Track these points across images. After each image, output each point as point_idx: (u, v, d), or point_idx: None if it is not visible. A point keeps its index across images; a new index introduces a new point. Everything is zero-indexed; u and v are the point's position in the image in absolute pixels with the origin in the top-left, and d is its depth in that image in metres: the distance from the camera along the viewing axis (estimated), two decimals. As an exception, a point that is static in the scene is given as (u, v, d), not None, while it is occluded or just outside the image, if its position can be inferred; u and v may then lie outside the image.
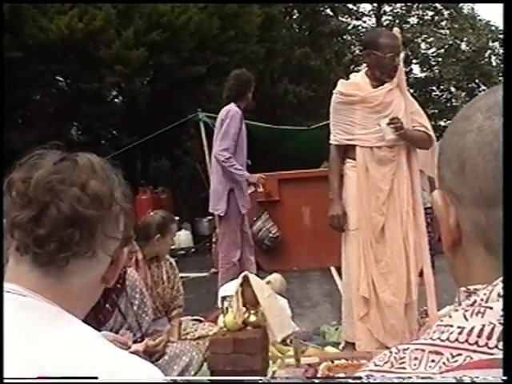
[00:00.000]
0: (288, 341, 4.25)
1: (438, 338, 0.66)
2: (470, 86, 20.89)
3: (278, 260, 8.32)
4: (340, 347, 4.26)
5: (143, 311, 3.84)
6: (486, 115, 0.71)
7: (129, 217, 1.12)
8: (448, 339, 0.65)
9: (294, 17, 18.15)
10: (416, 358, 0.67)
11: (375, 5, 20.97)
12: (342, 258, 4.21)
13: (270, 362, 3.74)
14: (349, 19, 21.10)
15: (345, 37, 19.87)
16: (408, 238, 3.98)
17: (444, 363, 0.64)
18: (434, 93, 21.48)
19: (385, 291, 3.96)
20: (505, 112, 0.69)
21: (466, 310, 0.67)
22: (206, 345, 3.96)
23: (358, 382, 0.69)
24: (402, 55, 4.20)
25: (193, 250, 10.92)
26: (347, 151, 4.11)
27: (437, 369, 0.64)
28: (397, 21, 20.33)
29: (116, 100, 13.28)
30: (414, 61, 21.23)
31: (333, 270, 8.07)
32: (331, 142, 4.18)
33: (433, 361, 0.66)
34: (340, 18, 20.12)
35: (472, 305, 0.68)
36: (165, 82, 11.60)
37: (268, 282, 5.14)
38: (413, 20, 21.48)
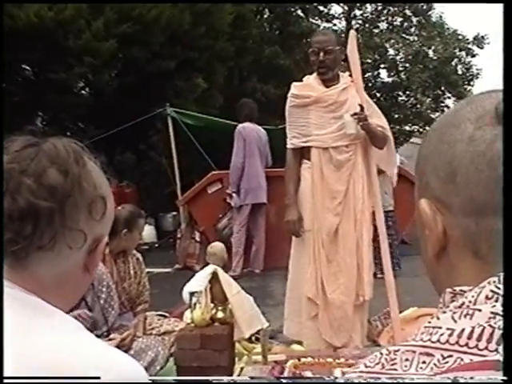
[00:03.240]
0: (253, 338, 4.28)
1: (429, 340, 0.68)
2: (435, 92, 21.20)
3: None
4: (304, 345, 4.31)
5: (109, 305, 3.83)
6: (476, 125, 0.72)
7: (108, 204, 1.07)
8: (439, 341, 0.67)
9: (265, 16, 18.16)
10: (407, 360, 0.69)
11: (346, 8, 21.13)
12: (291, 257, 4.24)
13: (236, 358, 3.77)
14: (319, 21, 21.21)
15: (315, 38, 19.94)
16: (362, 237, 4.02)
17: (435, 364, 0.66)
18: (400, 98, 21.71)
19: (334, 291, 3.99)
20: (505, 112, 0.71)
21: (455, 312, 0.69)
22: (172, 340, 3.96)
23: (356, 382, 0.71)
24: (356, 56, 4.18)
25: (156, 245, 10.86)
26: (304, 153, 4.13)
27: (428, 370, 0.66)
28: (366, 25, 20.50)
29: (83, 91, 13.11)
30: (382, 65, 21.43)
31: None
32: (288, 146, 4.20)
33: (424, 362, 0.67)
34: (311, 20, 20.21)
35: (460, 307, 0.69)
36: (133, 75, 11.50)
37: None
38: (382, 25, 21.68)
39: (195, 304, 3.75)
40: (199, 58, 12.50)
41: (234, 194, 7.86)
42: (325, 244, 4.02)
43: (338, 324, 4.00)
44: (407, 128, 20.37)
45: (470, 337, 0.65)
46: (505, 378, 0.59)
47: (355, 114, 3.91)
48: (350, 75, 4.16)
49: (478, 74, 21.08)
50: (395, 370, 0.69)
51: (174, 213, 11.24)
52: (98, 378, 0.87)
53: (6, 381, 0.82)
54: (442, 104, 21.74)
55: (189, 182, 9.74)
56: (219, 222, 8.34)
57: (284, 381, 2.56)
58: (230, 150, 8.04)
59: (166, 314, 4.61)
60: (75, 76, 11.25)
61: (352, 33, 4.30)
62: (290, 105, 4.16)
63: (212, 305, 3.76)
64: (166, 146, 10.53)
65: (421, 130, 21.41)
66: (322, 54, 4.00)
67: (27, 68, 11.90)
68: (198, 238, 8.73)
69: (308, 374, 3.17)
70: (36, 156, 0.99)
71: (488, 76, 37.88)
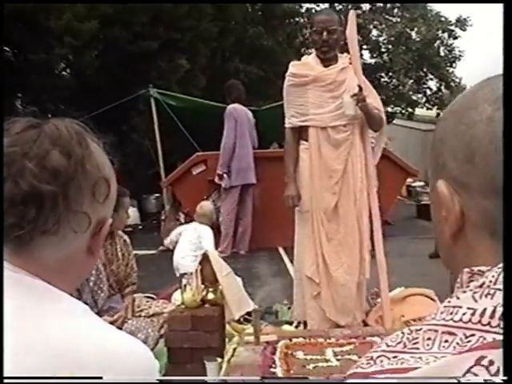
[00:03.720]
0: (241, 319, 4.30)
1: (451, 319, 0.68)
2: (418, 74, 21.23)
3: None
4: (293, 326, 4.34)
5: (99, 287, 3.82)
6: (494, 107, 0.73)
7: (111, 186, 1.06)
8: (461, 320, 0.67)
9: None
10: (429, 339, 0.69)
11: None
12: (295, 239, 4.27)
13: (226, 339, 3.79)
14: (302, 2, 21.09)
15: (297, 19, 19.82)
16: (362, 216, 4.06)
17: (458, 343, 0.66)
18: (382, 79, 21.69)
19: (338, 269, 4.03)
20: (505, 109, 0.72)
21: (475, 292, 0.69)
22: (161, 322, 3.96)
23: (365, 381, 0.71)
24: (355, 37, 4.22)
25: (140, 227, 10.82)
26: (302, 133, 4.16)
27: (451, 349, 0.66)
28: (349, 6, 20.40)
29: (64, 73, 12.96)
30: (365, 47, 21.37)
31: (281, 250, 8.16)
32: (286, 125, 4.23)
33: (446, 341, 0.67)
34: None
35: (480, 286, 0.69)
36: (115, 56, 11.38)
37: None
38: (365, 6, 21.59)
39: (185, 286, 3.76)
40: (182, 39, 12.39)
41: (224, 175, 7.83)
42: (324, 223, 4.05)
43: (341, 303, 4.05)
44: (389, 109, 20.39)
45: (492, 316, 0.65)
46: (505, 378, 0.59)
47: (354, 94, 3.93)
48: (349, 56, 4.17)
49: (460, 55, 21.12)
50: (417, 348, 0.70)
51: (157, 195, 11.21)
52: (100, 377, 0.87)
53: (6, 381, 0.81)
54: (425, 86, 21.80)
55: (172, 163, 9.71)
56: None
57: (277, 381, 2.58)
58: (213, 131, 8.02)
59: (154, 296, 4.61)
60: (56, 57, 11.11)
61: (352, 13, 4.31)
62: (288, 83, 4.17)
63: (203, 286, 3.77)
64: (148, 128, 10.46)
65: (403, 111, 21.45)
66: (325, 33, 4.02)
67: (7, 49, 11.72)
68: (182, 220, 8.72)
69: (300, 354, 3.19)
70: (38, 138, 0.97)
71: (470, 58, 37.99)
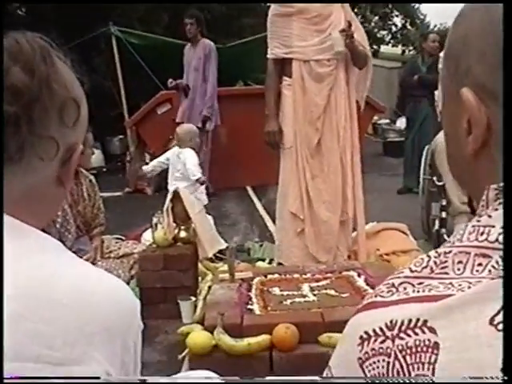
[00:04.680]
0: (213, 257, 4.26)
1: (486, 240, 0.60)
2: (383, 11, 21.03)
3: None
4: (266, 263, 4.31)
5: (66, 229, 3.73)
6: None
7: (81, 108, 0.93)
8: (497, 240, 0.59)
9: None
10: (460, 262, 0.61)
11: None
12: (279, 177, 4.20)
13: (199, 278, 3.74)
14: None
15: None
16: (345, 153, 4.01)
17: (493, 267, 0.58)
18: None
19: (320, 207, 3.99)
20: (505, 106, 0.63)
21: None
22: (131, 263, 3.92)
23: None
24: None
25: (104, 169, 10.66)
26: (284, 67, 4.05)
27: (485, 273, 0.59)
28: None
29: (19, 11, 12.46)
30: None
31: (249, 189, 8.13)
32: (268, 56, 4.12)
33: (480, 264, 0.60)
34: None
35: None
36: (72, -8, 10.95)
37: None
38: None
39: (156, 224, 3.68)
40: (143, -26, 11.96)
41: (212, 117, 7.58)
42: (308, 159, 3.99)
43: (323, 239, 4.02)
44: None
45: None
46: (505, 377, 0.53)
47: (343, 30, 3.84)
48: None
49: (425, -9, 20.97)
50: (446, 273, 0.62)
51: (121, 136, 11.02)
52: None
53: (6, 381, 0.74)
54: (390, 22, 21.65)
55: (136, 104, 9.52)
56: (170, 143, 8.17)
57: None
58: (177, 69, 7.78)
59: (123, 238, 4.53)
60: (9, -7, 10.65)
61: None
62: (273, 13, 4.06)
63: (174, 224, 3.70)
64: (110, 68, 10.17)
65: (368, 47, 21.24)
66: None
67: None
68: (148, 160, 8.57)
69: (276, 290, 3.15)
70: None
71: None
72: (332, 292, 3.09)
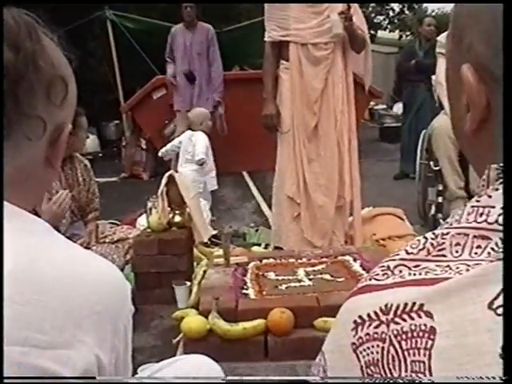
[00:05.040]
0: (209, 242, 4.25)
1: (485, 221, 0.59)
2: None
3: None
4: (261, 248, 4.30)
5: (60, 213, 3.69)
6: None
7: (69, 86, 0.91)
8: (497, 222, 0.58)
9: None
10: (458, 244, 0.60)
11: None
12: (276, 162, 4.17)
13: (194, 263, 3.73)
14: None
15: None
16: (343, 138, 3.98)
17: (493, 249, 0.57)
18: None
19: (316, 191, 3.97)
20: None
21: None
22: (126, 247, 3.89)
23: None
24: None
25: (100, 154, 10.64)
26: (282, 51, 4.02)
27: (484, 255, 0.57)
28: None
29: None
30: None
31: (245, 174, 8.11)
32: (266, 39, 4.08)
33: (479, 247, 0.58)
34: None
35: None
36: (67, -25, 10.84)
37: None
38: None
39: (151, 209, 3.66)
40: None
41: (222, 101, 7.50)
42: (305, 144, 3.96)
43: (319, 224, 4.00)
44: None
45: None
46: (505, 377, 0.51)
47: (342, 12, 3.79)
48: None
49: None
50: (444, 256, 0.60)
51: (117, 121, 10.99)
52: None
53: (6, 381, 0.72)
54: (387, 7, 21.51)
55: (131, 88, 9.47)
56: (165, 128, 8.17)
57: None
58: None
59: (118, 223, 4.51)
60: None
61: None
62: None
63: (169, 209, 3.68)
64: (105, 52, 10.10)
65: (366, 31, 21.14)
66: None
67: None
68: (143, 146, 8.59)
69: (271, 274, 3.14)
70: None
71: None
72: (327, 277, 3.07)
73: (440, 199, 4.76)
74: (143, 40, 9.44)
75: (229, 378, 1.92)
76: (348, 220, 4.13)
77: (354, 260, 3.29)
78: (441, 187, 4.75)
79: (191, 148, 5.47)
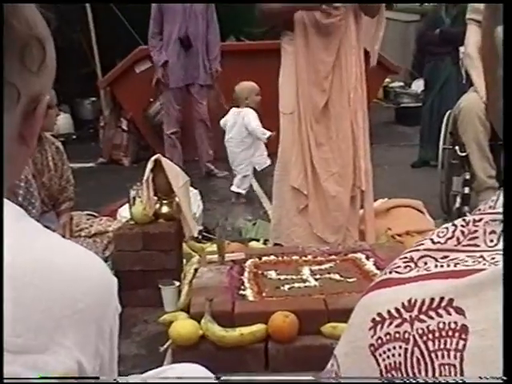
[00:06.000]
0: (200, 237, 4.26)
1: None
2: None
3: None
4: (260, 243, 4.31)
5: (29, 203, 3.70)
6: None
7: (47, 50, 0.89)
8: None
9: None
10: (493, 232, 0.60)
11: None
12: (279, 148, 4.17)
13: (184, 260, 3.75)
14: None
15: None
16: (356, 118, 3.94)
17: None
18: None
19: (327, 179, 3.94)
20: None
21: None
22: (105, 242, 3.92)
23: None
24: None
25: (74, 136, 10.60)
26: (286, 21, 3.94)
27: None
28: None
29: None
30: None
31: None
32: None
33: None
34: None
35: None
36: None
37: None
38: None
39: (134, 198, 3.67)
40: None
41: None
42: (313, 125, 3.93)
43: (331, 217, 3.97)
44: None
45: None
46: (505, 377, 0.52)
47: None
48: None
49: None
50: (476, 245, 0.60)
51: (94, 98, 10.95)
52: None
53: (6, 381, 0.72)
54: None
55: (111, 60, 9.43)
56: (150, 107, 8.14)
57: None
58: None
59: (96, 214, 4.52)
60: None
61: None
62: None
63: (155, 198, 3.69)
64: (81, 19, 10.05)
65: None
66: None
67: None
68: (124, 127, 8.54)
69: (272, 273, 3.16)
70: None
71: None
72: (336, 276, 3.10)
73: (467, 190, 4.73)
74: (124, 5, 9.43)
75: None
76: (359, 213, 4.13)
77: (367, 258, 3.30)
78: (468, 176, 4.72)
79: (237, 127, 5.63)
